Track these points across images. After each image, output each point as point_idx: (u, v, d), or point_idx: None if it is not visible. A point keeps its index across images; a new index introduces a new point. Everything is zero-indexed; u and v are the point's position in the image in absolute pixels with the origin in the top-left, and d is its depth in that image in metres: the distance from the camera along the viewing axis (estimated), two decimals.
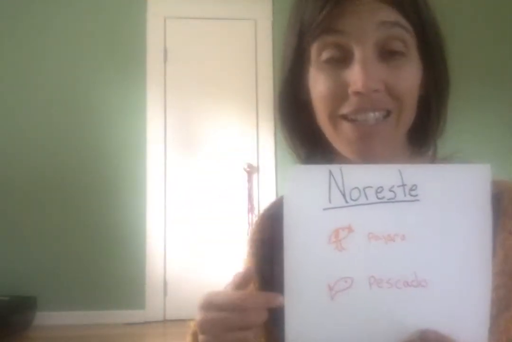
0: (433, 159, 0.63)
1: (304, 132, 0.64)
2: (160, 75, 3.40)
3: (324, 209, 0.46)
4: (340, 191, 0.46)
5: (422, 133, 0.63)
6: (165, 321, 3.23)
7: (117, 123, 3.34)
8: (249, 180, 3.37)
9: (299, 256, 0.46)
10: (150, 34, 3.42)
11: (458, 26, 3.38)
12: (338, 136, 0.57)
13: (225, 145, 3.40)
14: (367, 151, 0.56)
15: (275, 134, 3.39)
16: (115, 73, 3.36)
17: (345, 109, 0.55)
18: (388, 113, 0.56)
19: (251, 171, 3.38)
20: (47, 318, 3.11)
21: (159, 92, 3.38)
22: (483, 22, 3.59)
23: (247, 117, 3.44)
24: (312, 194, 0.46)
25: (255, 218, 3.23)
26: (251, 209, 3.33)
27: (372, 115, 0.55)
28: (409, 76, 0.56)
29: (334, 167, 0.46)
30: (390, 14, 0.54)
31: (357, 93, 0.53)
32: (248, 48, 3.48)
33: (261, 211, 0.70)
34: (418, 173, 0.45)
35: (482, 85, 3.47)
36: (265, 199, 3.28)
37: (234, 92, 3.43)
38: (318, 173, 0.46)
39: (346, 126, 0.56)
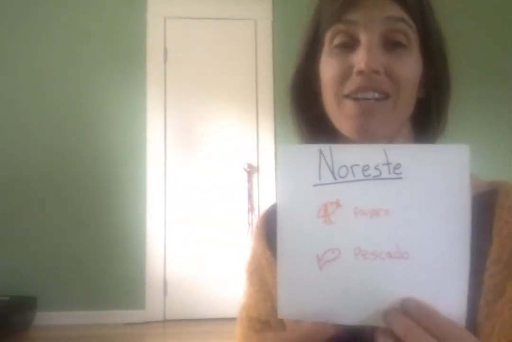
0: None
1: (311, 116, 0.69)
2: (160, 75, 3.40)
3: (314, 185, 0.49)
4: (329, 169, 0.48)
5: (424, 133, 0.67)
6: (165, 321, 3.24)
7: (117, 123, 3.34)
8: (249, 180, 3.37)
9: (291, 229, 0.49)
10: (150, 34, 3.42)
11: (459, 26, 3.38)
12: (341, 114, 0.62)
13: (225, 145, 3.41)
14: (365, 127, 0.60)
15: (275, 134, 3.39)
16: (115, 73, 3.36)
17: (348, 89, 0.61)
18: (386, 96, 0.60)
19: (251, 170, 3.38)
20: (47, 318, 3.12)
21: (159, 92, 3.39)
22: (483, 23, 3.59)
23: (247, 117, 3.44)
24: (304, 171, 0.49)
25: (255, 218, 3.24)
26: (251, 209, 3.33)
27: (371, 94, 0.60)
28: (408, 65, 0.61)
29: (324, 147, 0.49)
30: (396, 11, 0.60)
31: (360, 72, 0.59)
32: (248, 48, 3.48)
33: (268, 207, 0.74)
34: (402, 152, 0.47)
35: (482, 85, 3.47)
36: (265, 199, 3.29)
37: (234, 92, 3.43)
38: (309, 151, 0.49)
39: (348, 103, 0.61)
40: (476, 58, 3.47)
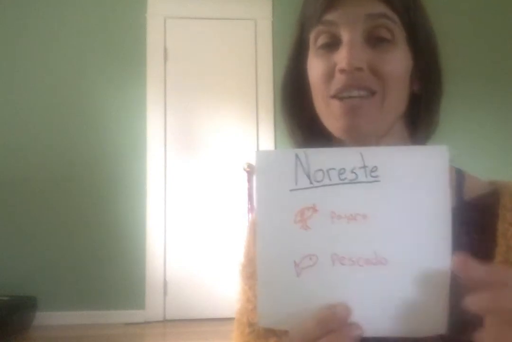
0: None
1: (303, 119, 0.68)
2: (160, 75, 3.40)
3: (291, 190, 0.48)
4: (306, 173, 0.48)
5: (417, 130, 0.65)
6: (165, 321, 3.24)
7: (117, 123, 3.34)
8: (249, 180, 3.37)
9: (269, 235, 0.48)
10: (150, 34, 3.42)
11: (457, 25, 3.39)
12: (329, 115, 0.62)
13: (225, 145, 3.41)
14: (352, 127, 0.59)
15: (275, 134, 3.40)
16: (115, 73, 3.36)
17: (333, 88, 0.60)
18: (373, 94, 0.59)
19: (251, 170, 3.38)
20: (47, 318, 3.12)
21: (159, 92, 3.39)
22: (482, 22, 3.59)
23: (247, 117, 3.44)
24: (280, 176, 0.48)
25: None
26: (251, 209, 3.33)
27: (356, 93, 0.58)
28: (394, 60, 0.59)
29: (300, 151, 0.48)
30: (377, 7, 0.59)
31: (342, 71, 0.58)
32: (248, 48, 3.48)
33: None
34: (379, 155, 0.47)
35: (480, 84, 3.47)
36: None
37: (234, 92, 3.43)
38: (285, 156, 0.49)
39: (334, 104, 0.60)
40: (474, 57, 3.47)
